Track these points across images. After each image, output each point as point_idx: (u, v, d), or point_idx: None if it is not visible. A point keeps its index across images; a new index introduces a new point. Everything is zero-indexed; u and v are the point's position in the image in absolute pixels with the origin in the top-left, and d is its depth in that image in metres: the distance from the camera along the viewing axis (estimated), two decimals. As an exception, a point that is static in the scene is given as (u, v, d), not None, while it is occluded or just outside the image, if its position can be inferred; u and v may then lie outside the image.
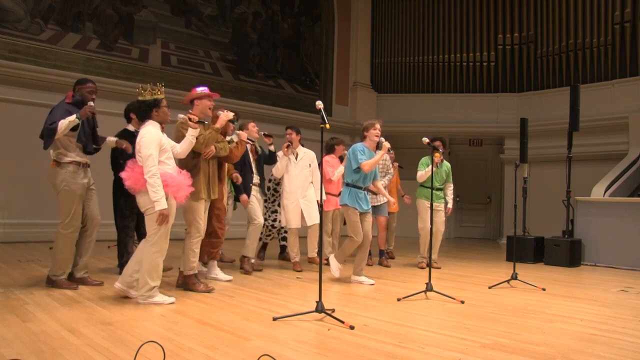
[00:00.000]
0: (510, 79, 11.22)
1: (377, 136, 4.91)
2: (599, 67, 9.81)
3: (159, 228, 3.66)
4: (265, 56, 10.74)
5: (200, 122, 4.01)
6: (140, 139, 3.67)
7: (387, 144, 4.80)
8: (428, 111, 11.54)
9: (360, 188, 4.89)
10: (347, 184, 4.91)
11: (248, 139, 5.02)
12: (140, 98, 3.79)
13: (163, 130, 3.86)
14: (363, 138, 5.00)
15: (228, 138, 4.80)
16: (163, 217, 3.61)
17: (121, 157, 4.59)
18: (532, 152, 8.92)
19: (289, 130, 5.80)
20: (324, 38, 11.86)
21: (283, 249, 6.57)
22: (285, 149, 5.68)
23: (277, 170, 5.72)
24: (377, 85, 12.50)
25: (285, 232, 6.50)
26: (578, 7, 10.11)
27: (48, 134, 3.99)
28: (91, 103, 4.14)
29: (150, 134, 3.67)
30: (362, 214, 4.93)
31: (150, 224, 3.69)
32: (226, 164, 4.87)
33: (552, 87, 10.53)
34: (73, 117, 3.99)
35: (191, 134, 3.97)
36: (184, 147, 4.00)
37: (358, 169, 4.80)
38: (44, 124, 4.07)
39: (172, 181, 3.69)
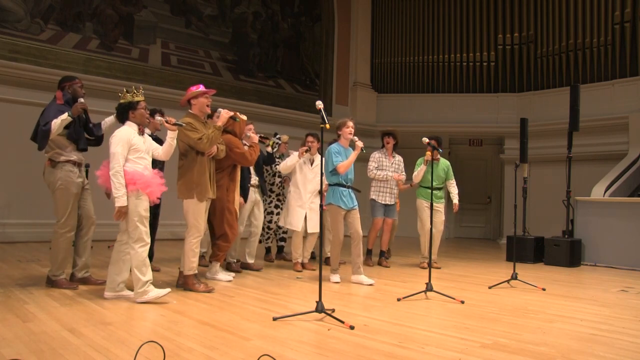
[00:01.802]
0: (510, 79, 11.21)
1: (350, 134, 4.95)
2: (599, 67, 9.81)
3: (135, 222, 3.70)
4: (265, 56, 10.74)
5: (177, 124, 3.99)
6: (111, 137, 3.74)
7: (359, 143, 4.84)
8: (428, 111, 11.54)
9: (343, 186, 4.94)
10: (330, 185, 4.95)
11: (262, 136, 5.13)
12: (122, 100, 3.84)
13: (142, 131, 3.89)
14: (338, 137, 5.05)
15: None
16: (121, 213, 3.69)
17: None
18: (532, 152, 8.92)
19: (311, 138, 5.73)
20: (324, 38, 11.86)
21: (281, 249, 6.57)
22: (303, 153, 5.59)
23: (285, 166, 5.62)
24: (377, 85, 12.50)
25: (284, 232, 6.49)
26: (578, 7, 10.10)
27: (43, 136, 4.00)
28: (81, 100, 4.16)
29: (119, 134, 3.75)
30: (349, 211, 4.96)
31: (129, 222, 3.73)
32: (239, 168, 4.90)
33: (552, 87, 10.52)
34: (65, 116, 4.02)
35: (170, 137, 4.01)
36: (165, 150, 4.06)
37: (335, 171, 4.85)
38: (36, 125, 4.08)
39: (140, 179, 3.74)
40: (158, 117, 4.12)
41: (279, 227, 6.36)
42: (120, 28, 8.68)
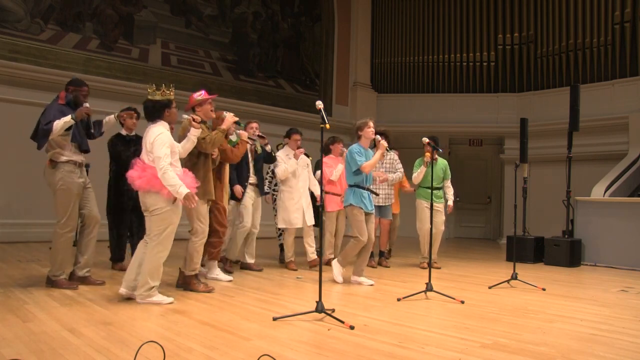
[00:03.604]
0: (510, 79, 11.21)
1: (373, 134, 4.92)
2: (599, 67, 9.81)
3: (165, 228, 3.68)
4: (265, 56, 10.74)
5: (202, 122, 4.05)
6: (154, 138, 3.66)
7: (384, 143, 4.80)
8: (428, 111, 11.53)
9: (363, 188, 4.90)
10: (351, 185, 4.92)
11: (248, 137, 5.05)
12: (150, 97, 3.80)
13: (172, 131, 3.88)
14: (358, 138, 4.99)
15: (231, 137, 4.84)
16: (190, 200, 3.63)
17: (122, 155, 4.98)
18: (532, 152, 8.91)
19: (298, 136, 5.86)
20: (324, 38, 11.86)
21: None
22: (300, 155, 5.74)
23: (285, 173, 5.67)
24: (377, 85, 12.50)
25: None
26: (578, 7, 10.10)
27: (43, 134, 3.97)
28: (87, 104, 4.17)
29: (164, 135, 3.70)
30: (366, 215, 4.92)
31: (155, 224, 3.70)
32: (227, 167, 4.89)
33: (552, 87, 10.52)
34: (68, 118, 3.99)
35: (193, 134, 4.00)
36: (186, 147, 4.03)
37: (358, 171, 4.81)
38: (36, 124, 4.07)
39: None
40: (184, 116, 4.13)
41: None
42: (120, 28, 8.68)
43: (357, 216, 4.83)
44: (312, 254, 5.85)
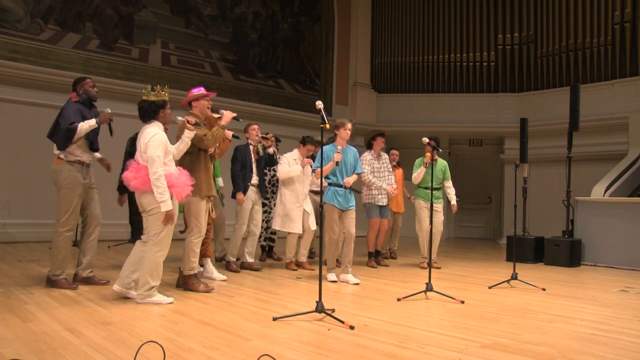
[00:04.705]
0: (510, 79, 11.21)
1: (348, 136, 5.02)
2: (599, 67, 9.80)
3: (163, 228, 3.69)
4: (265, 56, 10.74)
5: (196, 124, 4.04)
6: (148, 140, 3.67)
7: (336, 156, 4.86)
8: (428, 111, 11.53)
9: (339, 186, 4.99)
10: (329, 184, 5.03)
11: (263, 136, 5.08)
12: (144, 97, 3.81)
13: (167, 132, 3.89)
14: (334, 135, 5.12)
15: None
16: (169, 217, 3.66)
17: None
18: (532, 152, 8.92)
19: (313, 147, 5.87)
20: (324, 38, 11.85)
21: (270, 249, 6.53)
22: (307, 163, 5.73)
23: (287, 175, 5.65)
24: (377, 85, 12.49)
25: (272, 232, 6.40)
26: (578, 7, 10.10)
27: (67, 135, 4.04)
28: (108, 110, 4.31)
29: (158, 136, 3.70)
30: (344, 211, 5.01)
31: (153, 224, 3.70)
32: (212, 165, 4.90)
33: (552, 87, 10.52)
34: (93, 122, 4.12)
35: (187, 136, 4.02)
36: (180, 149, 4.05)
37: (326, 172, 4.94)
38: (55, 124, 4.11)
39: (177, 182, 3.74)
40: (179, 118, 4.15)
41: (267, 228, 6.31)
42: (120, 28, 8.67)
43: (328, 213, 4.94)
44: (293, 257, 5.81)
